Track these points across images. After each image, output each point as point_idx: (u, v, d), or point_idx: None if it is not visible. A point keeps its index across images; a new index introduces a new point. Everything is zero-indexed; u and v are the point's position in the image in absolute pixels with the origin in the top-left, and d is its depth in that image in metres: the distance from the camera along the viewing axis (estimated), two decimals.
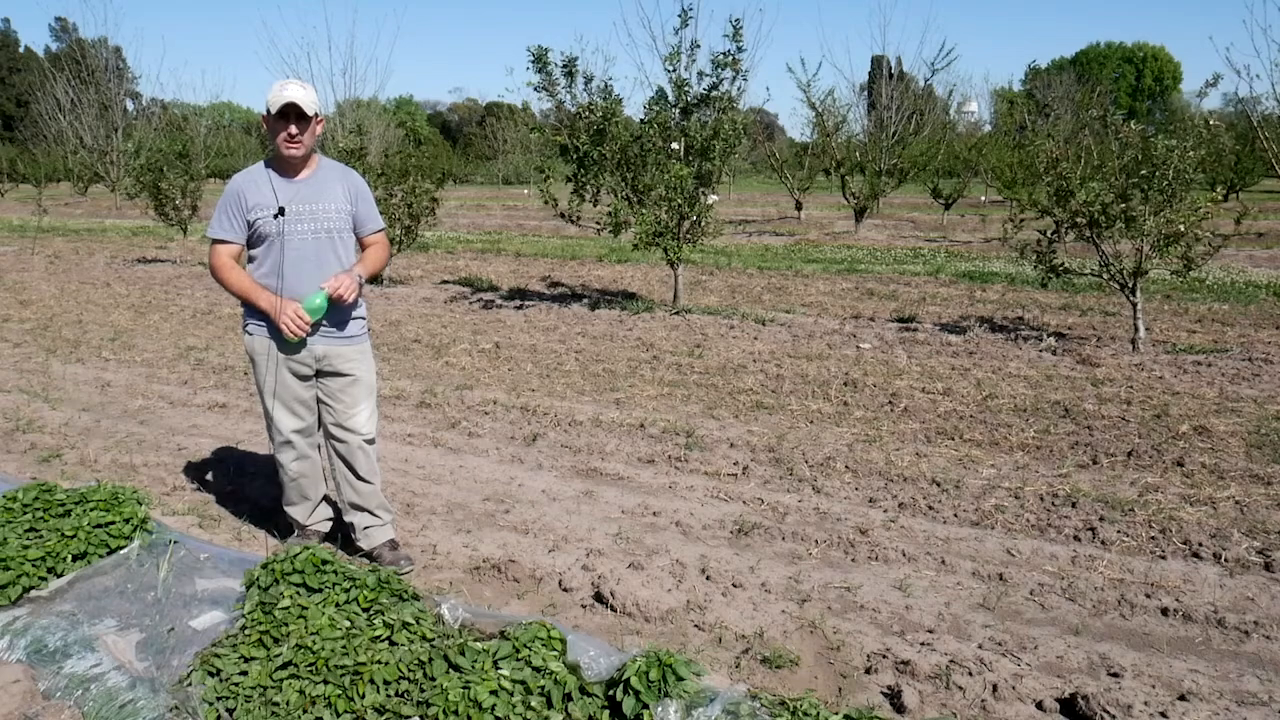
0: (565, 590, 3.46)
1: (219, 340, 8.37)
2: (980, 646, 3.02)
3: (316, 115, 3.43)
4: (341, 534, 3.85)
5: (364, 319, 3.66)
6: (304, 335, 3.43)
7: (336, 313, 3.51)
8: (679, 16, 9.32)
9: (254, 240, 3.49)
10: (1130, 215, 7.24)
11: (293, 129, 3.36)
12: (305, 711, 2.37)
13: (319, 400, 3.62)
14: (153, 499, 4.19)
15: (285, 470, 3.68)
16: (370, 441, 3.68)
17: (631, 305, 9.80)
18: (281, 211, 3.41)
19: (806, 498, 4.39)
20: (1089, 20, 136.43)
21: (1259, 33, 24.33)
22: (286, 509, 3.81)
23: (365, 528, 3.72)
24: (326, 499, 3.89)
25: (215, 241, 3.50)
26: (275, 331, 3.46)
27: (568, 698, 2.34)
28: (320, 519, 3.87)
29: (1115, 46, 74.85)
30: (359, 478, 3.67)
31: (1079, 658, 2.95)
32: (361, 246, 3.67)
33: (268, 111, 3.38)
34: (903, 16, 46.77)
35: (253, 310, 3.51)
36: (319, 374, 3.58)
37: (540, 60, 9.63)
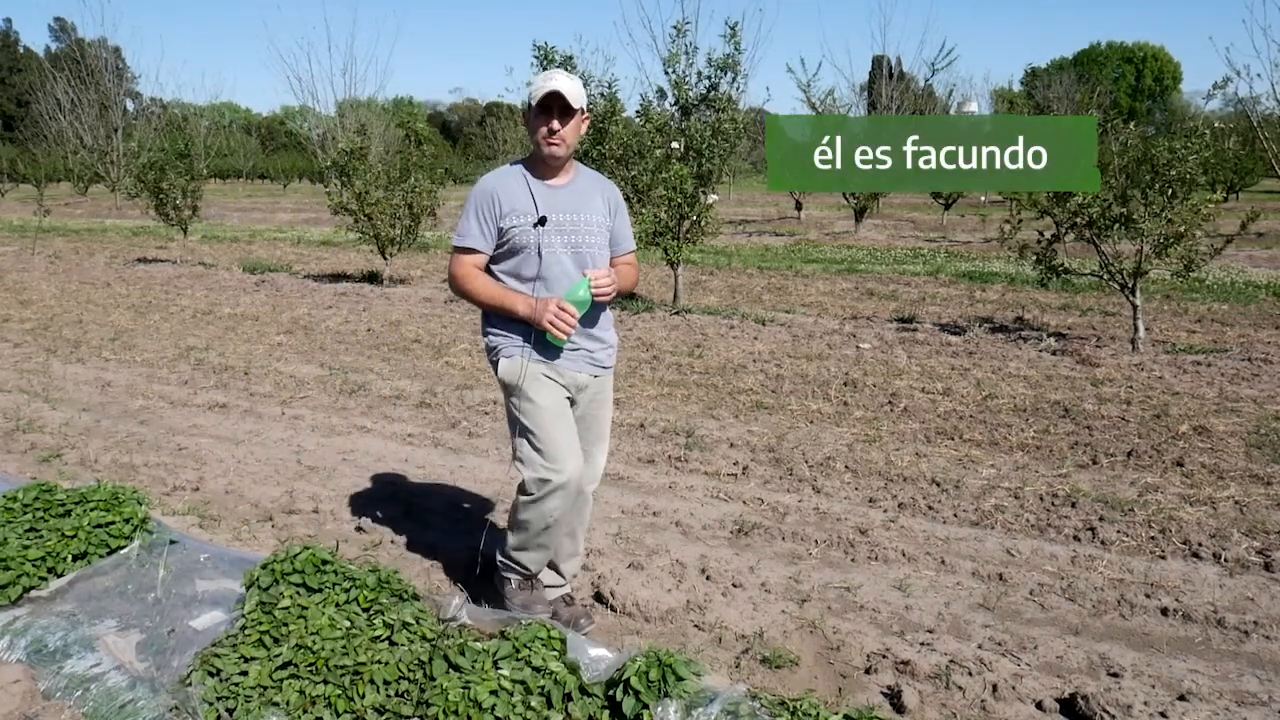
0: None
1: (219, 340, 8.37)
2: (980, 646, 3.02)
3: (582, 110, 2.96)
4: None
5: (615, 346, 3.23)
6: (571, 334, 2.95)
7: (596, 327, 3.08)
8: (675, 28, 9.33)
9: (502, 253, 3.01)
10: (1130, 217, 7.24)
11: (554, 124, 2.89)
12: (305, 711, 2.37)
13: None
14: (153, 499, 4.19)
15: (541, 514, 2.99)
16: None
17: (631, 305, 9.80)
18: (543, 221, 2.94)
19: (806, 498, 4.39)
20: (1089, 20, 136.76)
21: (1259, 33, 24.44)
22: (514, 553, 3.13)
23: (548, 586, 3.28)
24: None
25: (459, 250, 3.01)
26: (537, 341, 2.98)
27: (568, 698, 2.34)
28: (551, 574, 3.29)
29: (1115, 46, 74.86)
30: (575, 533, 3.22)
31: (1079, 658, 2.95)
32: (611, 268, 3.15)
33: (528, 105, 2.94)
34: (903, 16, 46.95)
35: (503, 327, 3.03)
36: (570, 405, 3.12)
37: (547, 57, 9.65)
